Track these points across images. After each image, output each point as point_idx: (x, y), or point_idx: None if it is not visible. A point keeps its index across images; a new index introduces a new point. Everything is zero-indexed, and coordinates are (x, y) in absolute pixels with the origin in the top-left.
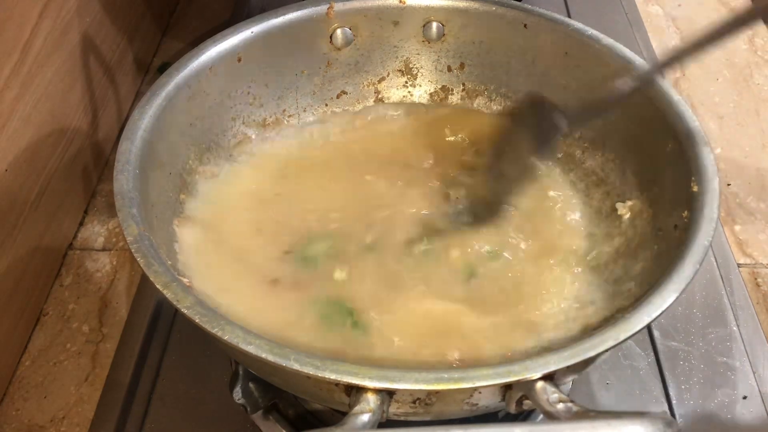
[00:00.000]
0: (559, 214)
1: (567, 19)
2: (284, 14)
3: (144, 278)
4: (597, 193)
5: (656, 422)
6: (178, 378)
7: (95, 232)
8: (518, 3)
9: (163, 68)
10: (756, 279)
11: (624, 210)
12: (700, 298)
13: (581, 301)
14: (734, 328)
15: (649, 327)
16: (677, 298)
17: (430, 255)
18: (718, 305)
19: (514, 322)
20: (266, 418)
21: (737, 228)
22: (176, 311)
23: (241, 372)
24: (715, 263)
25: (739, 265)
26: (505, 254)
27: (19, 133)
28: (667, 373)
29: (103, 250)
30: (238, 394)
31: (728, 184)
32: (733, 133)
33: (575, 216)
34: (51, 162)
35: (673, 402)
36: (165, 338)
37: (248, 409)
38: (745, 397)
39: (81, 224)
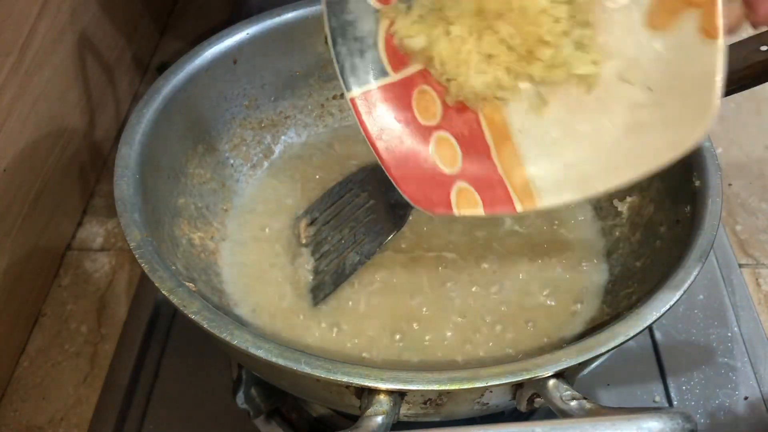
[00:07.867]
0: (559, 211)
1: None
2: (279, 15)
3: (143, 279)
4: None
5: (675, 417)
6: (176, 379)
7: (93, 232)
8: None
9: (161, 68)
10: (757, 279)
11: (624, 206)
12: (702, 299)
13: (583, 299)
14: (735, 329)
15: (650, 327)
16: (685, 291)
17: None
18: (719, 306)
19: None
20: (268, 422)
21: (738, 228)
22: (175, 312)
23: (244, 377)
24: (716, 263)
25: (740, 266)
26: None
27: (17, 133)
28: (668, 374)
29: (102, 250)
30: (241, 399)
31: (729, 184)
32: (735, 133)
33: (575, 214)
34: (49, 162)
35: (674, 403)
36: (164, 339)
37: (251, 413)
38: (746, 398)
39: (79, 224)
